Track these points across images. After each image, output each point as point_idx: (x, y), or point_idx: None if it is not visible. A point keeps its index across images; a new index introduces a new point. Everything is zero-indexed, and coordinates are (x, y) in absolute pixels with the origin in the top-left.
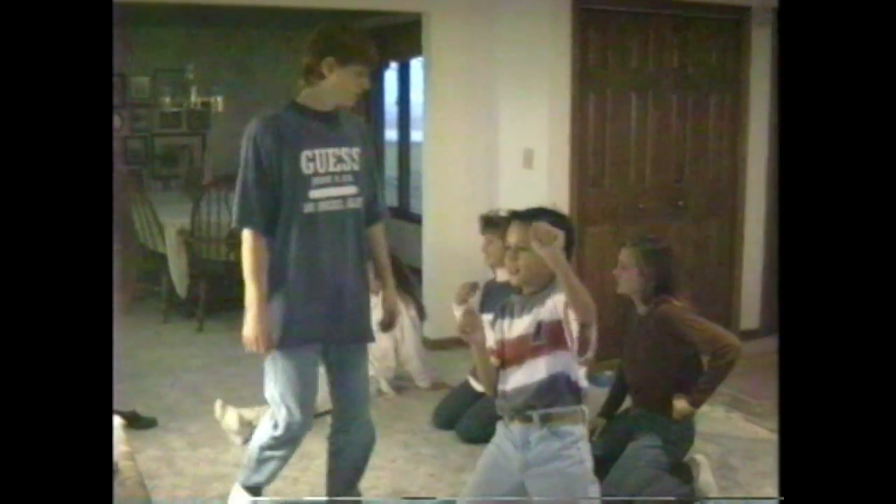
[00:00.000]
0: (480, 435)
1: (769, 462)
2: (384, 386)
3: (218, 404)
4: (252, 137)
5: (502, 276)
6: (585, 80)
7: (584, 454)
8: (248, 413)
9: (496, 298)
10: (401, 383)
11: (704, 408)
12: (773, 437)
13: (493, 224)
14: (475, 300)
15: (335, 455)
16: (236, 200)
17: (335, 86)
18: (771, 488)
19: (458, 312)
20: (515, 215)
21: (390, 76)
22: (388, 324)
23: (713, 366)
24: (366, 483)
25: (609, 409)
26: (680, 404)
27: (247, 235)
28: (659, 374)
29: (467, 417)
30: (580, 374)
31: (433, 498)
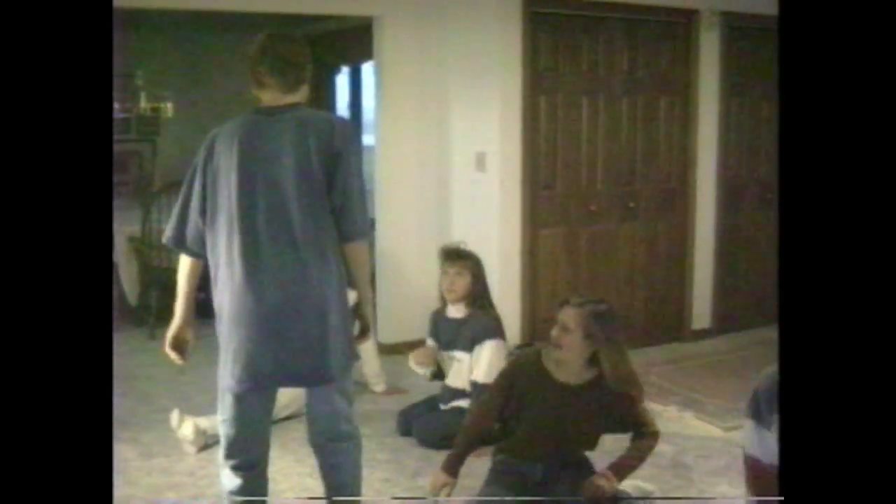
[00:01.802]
0: (437, 441)
1: (722, 460)
2: None
3: (174, 414)
4: (357, 137)
5: (454, 312)
6: (536, 83)
7: None
8: (204, 422)
9: (445, 329)
10: (354, 389)
11: (657, 407)
12: (726, 436)
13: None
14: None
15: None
16: (366, 204)
17: (307, 88)
18: (725, 486)
19: (420, 370)
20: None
21: (342, 80)
22: None
23: (642, 446)
24: (319, 488)
25: (458, 466)
26: (605, 483)
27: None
28: (583, 444)
29: (426, 421)
30: None
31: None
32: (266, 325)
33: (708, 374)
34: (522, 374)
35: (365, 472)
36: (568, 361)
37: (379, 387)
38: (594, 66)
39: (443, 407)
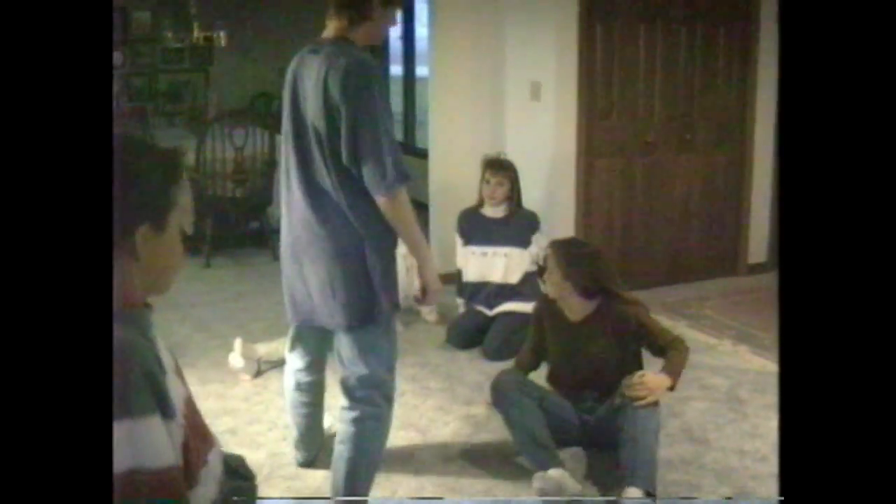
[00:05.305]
0: (505, 351)
1: (777, 395)
2: None
3: (237, 343)
4: (374, 80)
5: (492, 212)
6: (593, 11)
7: None
8: (262, 348)
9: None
10: (408, 318)
11: (712, 340)
12: None
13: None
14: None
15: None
16: (390, 156)
17: (377, 25)
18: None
19: (430, 316)
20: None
21: None
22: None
23: (674, 356)
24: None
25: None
26: (658, 379)
27: (404, 194)
28: (612, 372)
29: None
30: None
31: (438, 499)
32: (292, 263)
33: (763, 309)
34: (545, 315)
35: (417, 401)
36: (558, 299)
37: (431, 316)
38: None
39: (490, 313)
